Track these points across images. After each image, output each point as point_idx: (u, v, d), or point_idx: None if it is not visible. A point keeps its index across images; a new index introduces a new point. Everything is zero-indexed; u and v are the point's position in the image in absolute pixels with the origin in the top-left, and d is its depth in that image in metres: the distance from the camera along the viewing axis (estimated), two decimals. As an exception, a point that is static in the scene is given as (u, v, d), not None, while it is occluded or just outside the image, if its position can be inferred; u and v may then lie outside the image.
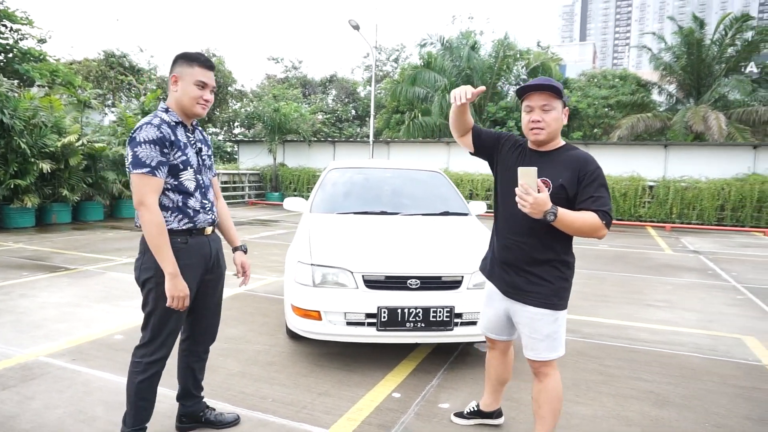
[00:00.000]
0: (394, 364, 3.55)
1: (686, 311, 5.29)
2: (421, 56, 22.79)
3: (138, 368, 2.27)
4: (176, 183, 2.25)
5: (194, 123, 2.41)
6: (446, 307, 3.33)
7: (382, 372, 3.42)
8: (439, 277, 3.45)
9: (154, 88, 18.99)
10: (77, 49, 64.03)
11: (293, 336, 3.94)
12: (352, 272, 3.43)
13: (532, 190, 1.97)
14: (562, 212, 2.03)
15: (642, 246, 10.14)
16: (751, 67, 21.41)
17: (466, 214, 4.69)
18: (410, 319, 3.31)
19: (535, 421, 2.32)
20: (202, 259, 2.36)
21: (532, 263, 2.23)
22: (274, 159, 19.08)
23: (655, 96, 22.75)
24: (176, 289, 2.17)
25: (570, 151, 2.24)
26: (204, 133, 2.49)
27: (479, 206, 4.97)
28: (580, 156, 2.20)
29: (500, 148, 2.39)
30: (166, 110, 2.30)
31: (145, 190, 2.13)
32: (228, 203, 17.70)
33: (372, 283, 3.40)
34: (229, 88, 22.62)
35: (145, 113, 13.48)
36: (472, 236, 4.08)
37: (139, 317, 2.41)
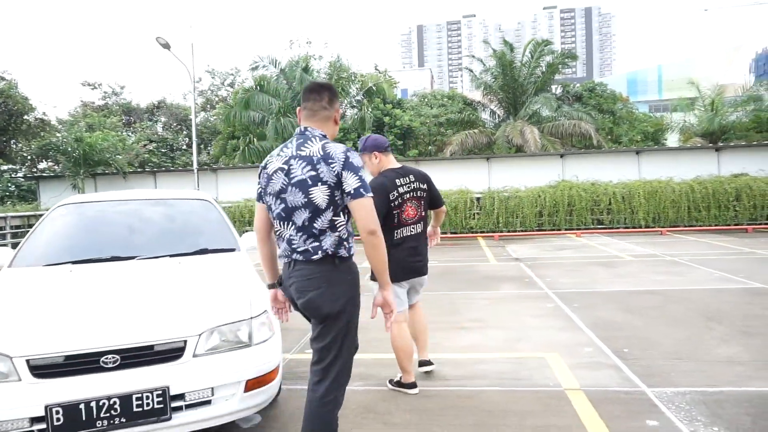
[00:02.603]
0: (91, 482, 2.48)
1: (496, 329, 4.94)
2: (255, 79, 21.80)
3: (335, 404, 2.22)
4: None
5: None
6: (156, 389, 2.38)
7: (67, 500, 2.34)
8: (151, 347, 2.49)
9: None
10: None
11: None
12: (10, 357, 2.33)
13: None
14: None
15: (470, 258, 10.15)
16: (557, 88, 24.01)
17: (232, 250, 3.80)
18: (102, 415, 2.30)
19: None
20: None
21: None
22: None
23: (483, 114, 24.36)
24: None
25: None
26: None
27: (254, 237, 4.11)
28: None
29: None
30: (324, 136, 2.29)
31: (376, 214, 2.17)
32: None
33: (43, 370, 2.34)
34: (26, 117, 19.31)
35: None
36: (222, 280, 3.18)
37: None
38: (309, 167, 2.15)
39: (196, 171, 16.04)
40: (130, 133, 26.27)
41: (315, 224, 2.14)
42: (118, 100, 28.27)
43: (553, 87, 23.76)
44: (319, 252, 2.14)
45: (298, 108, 2.35)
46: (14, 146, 19.63)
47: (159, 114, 28.69)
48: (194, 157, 16.52)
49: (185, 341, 2.54)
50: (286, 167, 2.20)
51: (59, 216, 3.90)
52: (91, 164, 15.92)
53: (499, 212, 14.24)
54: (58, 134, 20.21)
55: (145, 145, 23.38)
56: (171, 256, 3.54)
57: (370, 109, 20.80)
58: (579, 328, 4.87)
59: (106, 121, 22.75)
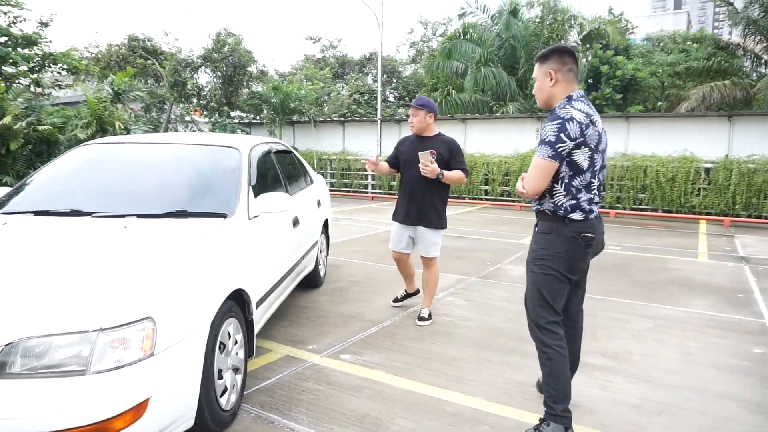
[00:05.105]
0: None
1: (636, 382, 3.09)
2: (464, 26, 20.39)
3: None
4: None
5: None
6: None
7: None
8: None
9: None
10: (102, 35, 62.62)
11: None
12: None
13: (429, 163, 3.74)
14: (446, 173, 3.83)
15: (670, 248, 7.57)
16: None
17: (222, 216, 2.82)
18: None
19: (424, 292, 4.21)
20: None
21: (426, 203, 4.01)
22: (278, 142, 17.77)
23: (742, 62, 18.85)
24: None
25: (442, 136, 4.05)
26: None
27: (273, 201, 3.06)
28: (448, 139, 4.04)
29: (398, 152, 4.17)
30: None
31: None
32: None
33: None
34: (248, 69, 21.43)
35: (116, 93, 12.47)
36: (131, 261, 2.20)
37: None
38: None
39: (379, 122, 15.75)
40: (342, 85, 27.56)
41: None
42: (334, 53, 29.83)
43: None
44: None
45: (550, 69, 2.40)
46: (241, 96, 22.00)
47: (370, 66, 29.44)
48: (378, 107, 16.27)
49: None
50: (602, 128, 2.40)
51: (72, 157, 3.43)
52: (287, 112, 16.86)
53: (737, 189, 10.61)
54: (281, 84, 22.05)
55: (351, 95, 24.19)
56: (138, 216, 2.75)
57: (587, 58, 17.70)
58: (795, 413, 2.73)
59: (318, 73, 24.11)
